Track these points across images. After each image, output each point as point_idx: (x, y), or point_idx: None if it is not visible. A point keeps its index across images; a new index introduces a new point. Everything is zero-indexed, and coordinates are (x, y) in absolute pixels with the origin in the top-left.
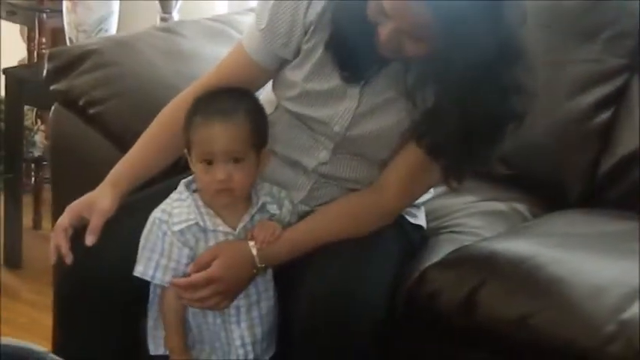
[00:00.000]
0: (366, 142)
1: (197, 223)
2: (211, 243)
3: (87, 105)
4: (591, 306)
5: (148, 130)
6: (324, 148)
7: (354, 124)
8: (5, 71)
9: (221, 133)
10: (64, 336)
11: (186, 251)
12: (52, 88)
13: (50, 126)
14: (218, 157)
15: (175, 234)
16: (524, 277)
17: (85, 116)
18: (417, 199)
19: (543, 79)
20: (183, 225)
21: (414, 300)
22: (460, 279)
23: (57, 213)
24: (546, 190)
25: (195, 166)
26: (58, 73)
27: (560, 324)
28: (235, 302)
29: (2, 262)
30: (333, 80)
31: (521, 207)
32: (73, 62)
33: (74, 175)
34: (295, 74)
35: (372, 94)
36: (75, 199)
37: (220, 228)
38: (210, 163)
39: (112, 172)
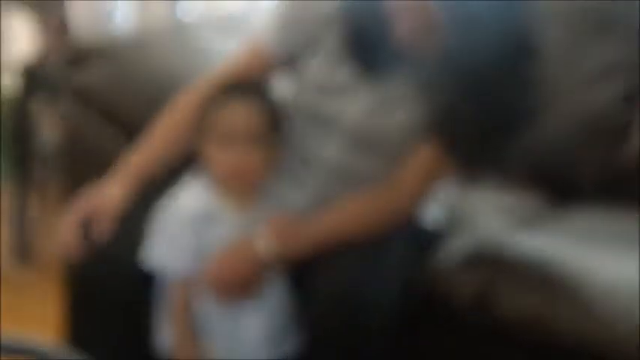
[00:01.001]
0: (378, 138)
1: (205, 211)
2: (219, 231)
3: (99, 99)
4: (607, 304)
5: (158, 122)
6: (335, 144)
7: (367, 120)
8: (16, 65)
9: (241, 114)
10: (72, 331)
11: (193, 239)
12: (63, 82)
13: (61, 120)
14: (236, 138)
15: (182, 221)
16: (539, 273)
17: (98, 111)
18: (431, 195)
19: (561, 73)
20: (191, 212)
21: (428, 297)
22: (475, 275)
23: (67, 208)
24: (563, 186)
25: (209, 150)
26: (70, 68)
27: (576, 322)
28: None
29: (11, 256)
30: (346, 75)
31: (537, 202)
32: (85, 57)
33: (85, 169)
34: (309, 68)
35: (387, 89)
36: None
37: (228, 216)
38: (226, 145)
39: (123, 165)
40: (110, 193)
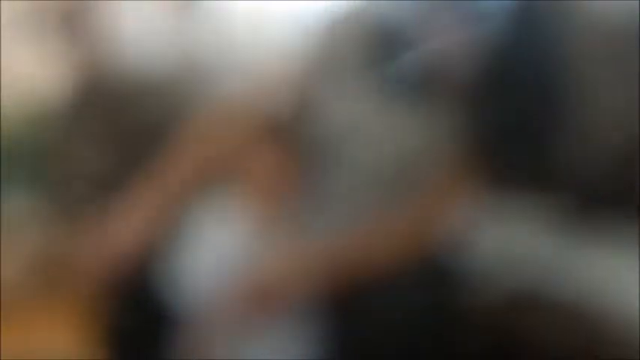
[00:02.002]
0: (407, 162)
1: (234, 241)
2: (245, 251)
3: None
4: None
5: (179, 157)
6: (362, 168)
7: (395, 145)
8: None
9: (270, 159)
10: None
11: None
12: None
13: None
14: (266, 179)
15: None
16: (576, 311)
17: None
18: (458, 219)
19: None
20: (221, 245)
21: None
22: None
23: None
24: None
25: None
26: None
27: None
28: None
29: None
30: (377, 101)
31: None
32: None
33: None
34: (338, 99)
35: (415, 110)
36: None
37: (254, 239)
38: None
39: (141, 201)
40: (125, 240)
